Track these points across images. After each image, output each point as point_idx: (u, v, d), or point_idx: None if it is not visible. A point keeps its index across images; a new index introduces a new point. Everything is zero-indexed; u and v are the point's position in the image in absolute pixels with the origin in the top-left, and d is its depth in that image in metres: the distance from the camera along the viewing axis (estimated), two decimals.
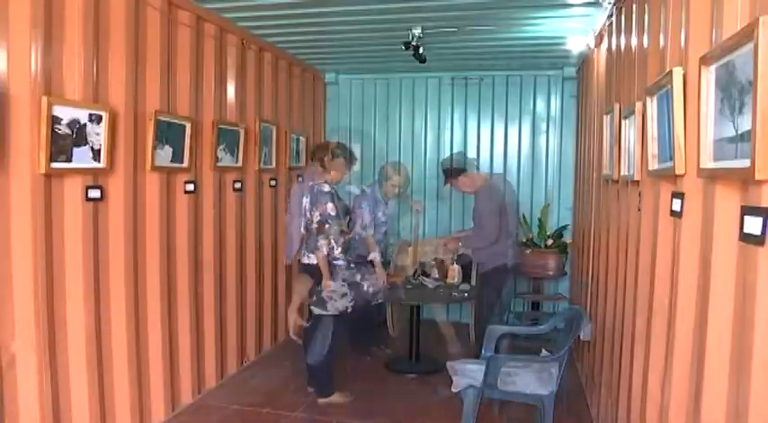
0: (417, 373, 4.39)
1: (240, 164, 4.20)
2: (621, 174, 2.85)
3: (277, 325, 5.01)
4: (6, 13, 2.36)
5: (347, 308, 3.70)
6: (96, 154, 2.80)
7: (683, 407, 1.77)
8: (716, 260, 1.56)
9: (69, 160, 2.64)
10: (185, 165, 3.53)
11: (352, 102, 6.01)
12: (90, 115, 2.73)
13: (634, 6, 2.75)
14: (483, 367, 2.99)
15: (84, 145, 2.72)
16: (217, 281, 4.03)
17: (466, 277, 4.63)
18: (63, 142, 2.59)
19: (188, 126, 3.51)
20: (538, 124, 5.65)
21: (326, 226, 3.63)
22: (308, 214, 3.75)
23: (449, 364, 3.25)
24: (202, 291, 3.88)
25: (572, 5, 3.49)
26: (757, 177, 1.24)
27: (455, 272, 4.64)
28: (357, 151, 5.97)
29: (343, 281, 3.70)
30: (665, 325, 1.99)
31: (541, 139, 5.65)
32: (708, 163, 1.57)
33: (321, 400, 3.78)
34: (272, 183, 4.82)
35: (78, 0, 2.67)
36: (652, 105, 2.15)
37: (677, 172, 1.84)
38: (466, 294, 4.46)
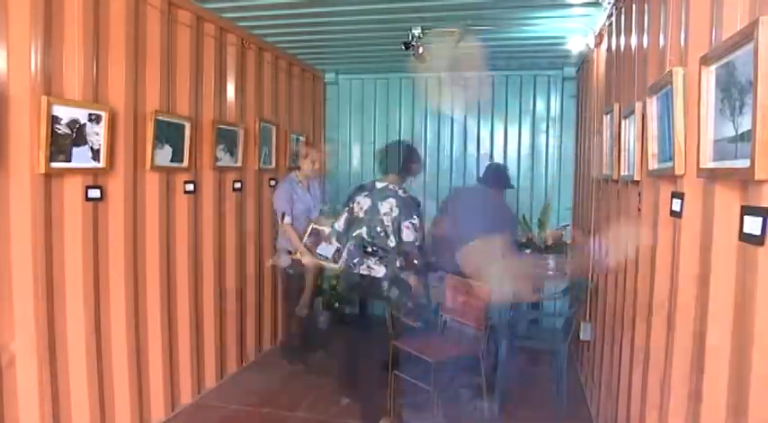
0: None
1: (240, 164, 4.20)
2: (621, 174, 2.85)
3: (277, 325, 5.00)
4: (6, 13, 2.36)
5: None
6: (96, 154, 2.80)
7: (682, 407, 1.77)
8: (716, 260, 1.56)
9: (69, 160, 2.65)
10: (185, 164, 3.53)
11: (351, 102, 6.01)
12: (90, 115, 2.73)
13: (634, 6, 2.75)
14: None
15: (84, 145, 2.73)
16: (217, 281, 4.03)
17: None
18: (63, 142, 2.59)
19: (187, 126, 3.51)
20: (538, 124, 5.64)
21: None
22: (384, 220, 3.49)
23: None
24: (202, 291, 3.88)
25: (572, 5, 3.49)
26: (757, 177, 1.24)
27: None
28: (357, 151, 6.02)
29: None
30: (664, 325, 1.99)
31: (541, 139, 5.65)
32: (708, 163, 1.57)
33: None
34: (272, 183, 4.81)
35: (78, 0, 2.67)
36: (652, 105, 2.14)
37: (677, 172, 1.84)
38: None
